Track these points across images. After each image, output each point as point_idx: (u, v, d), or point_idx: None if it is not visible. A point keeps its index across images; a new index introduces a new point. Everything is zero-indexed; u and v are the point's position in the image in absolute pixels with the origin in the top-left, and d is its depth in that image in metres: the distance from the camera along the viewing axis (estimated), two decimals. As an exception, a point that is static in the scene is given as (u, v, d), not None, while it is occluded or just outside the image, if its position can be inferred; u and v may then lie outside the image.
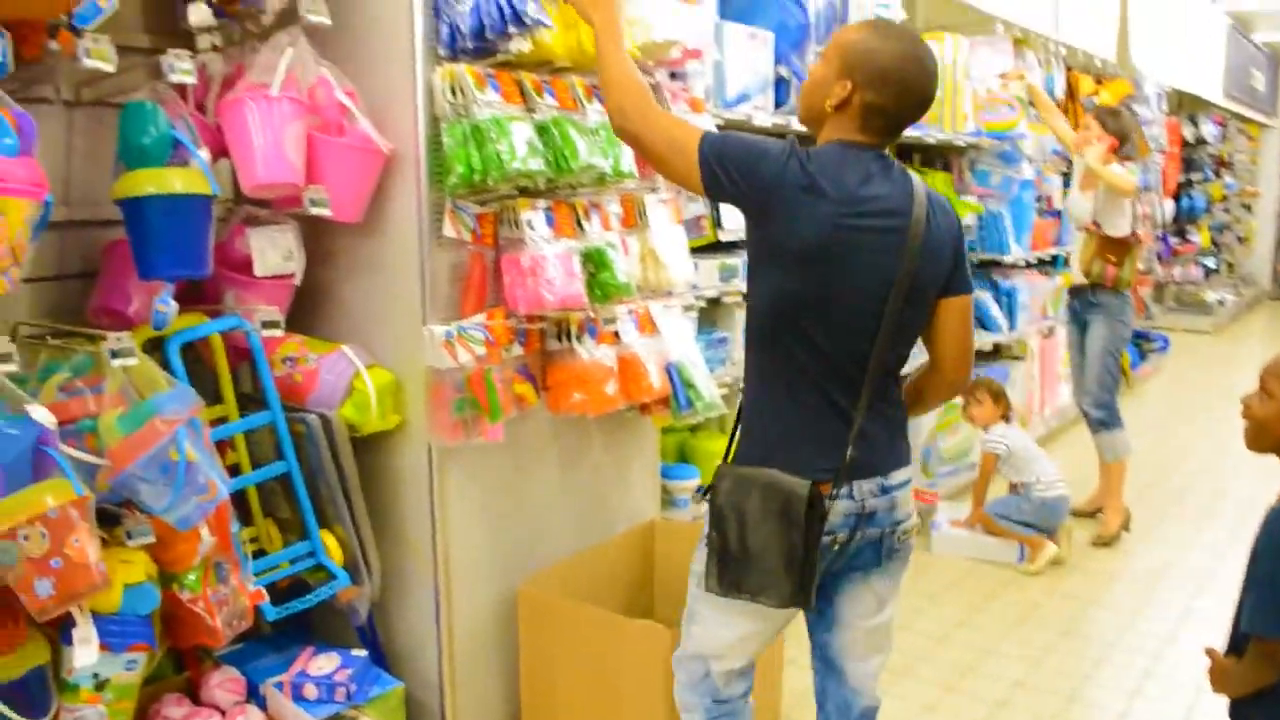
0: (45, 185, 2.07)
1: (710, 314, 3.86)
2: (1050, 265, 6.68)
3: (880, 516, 2.12)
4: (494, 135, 2.53)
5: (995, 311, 5.81)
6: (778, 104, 3.98)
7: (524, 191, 2.78)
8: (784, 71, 3.98)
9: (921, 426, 5.05)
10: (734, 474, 2.09)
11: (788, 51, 3.96)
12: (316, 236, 2.76)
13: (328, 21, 2.51)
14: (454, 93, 2.55)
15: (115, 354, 2.19)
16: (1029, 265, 6.36)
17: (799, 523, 2.00)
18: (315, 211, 2.53)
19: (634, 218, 3.03)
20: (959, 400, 4.81)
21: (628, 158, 2.86)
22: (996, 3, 5.37)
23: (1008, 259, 5.84)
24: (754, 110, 3.82)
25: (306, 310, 2.82)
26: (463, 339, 2.59)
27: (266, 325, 2.52)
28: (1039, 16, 5.97)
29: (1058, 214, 6.49)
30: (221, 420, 2.60)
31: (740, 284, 3.76)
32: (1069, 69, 6.65)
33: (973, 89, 5.26)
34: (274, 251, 2.62)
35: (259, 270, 2.60)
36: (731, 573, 2.08)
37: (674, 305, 3.20)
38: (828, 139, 2.09)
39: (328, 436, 2.60)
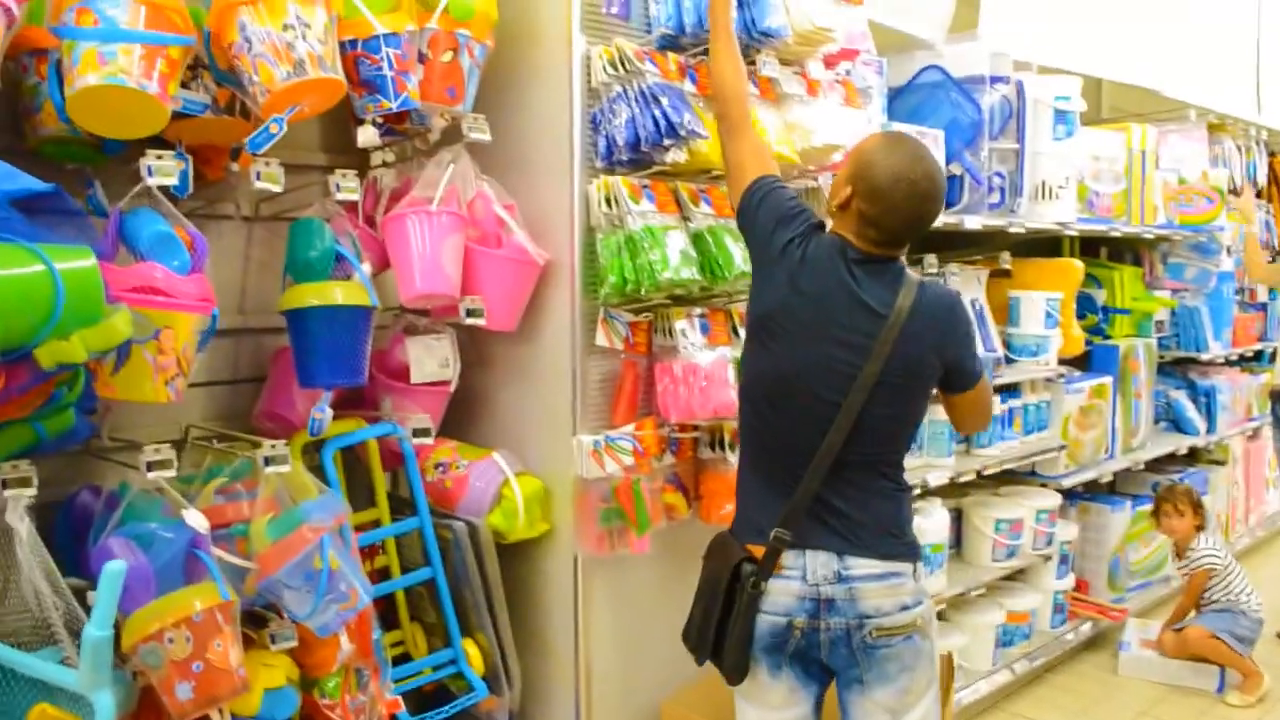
0: (212, 300, 2.16)
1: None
2: (1254, 361, 6.14)
3: (841, 606, 2.09)
4: (647, 245, 2.49)
5: (1192, 413, 5.35)
6: (949, 203, 3.82)
7: (678, 300, 2.72)
8: (956, 169, 3.81)
9: (1108, 537, 4.68)
10: (714, 539, 2.25)
11: (960, 149, 3.80)
12: (474, 343, 2.79)
13: (488, 138, 2.55)
14: (609, 203, 2.54)
15: (269, 460, 2.23)
16: (1230, 362, 5.85)
17: (722, 584, 2.12)
18: (471, 321, 2.54)
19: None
20: (1150, 508, 4.45)
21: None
22: (1189, 88, 5.03)
23: (1205, 356, 5.40)
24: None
25: (462, 415, 2.84)
26: (610, 449, 2.53)
27: (417, 433, 2.53)
28: (1238, 100, 5.56)
29: (1262, 307, 5.98)
30: (374, 524, 2.62)
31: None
32: (1272, 154, 6.17)
33: (1163, 179, 4.93)
34: (430, 360, 2.64)
35: (415, 378, 2.63)
36: (689, 629, 2.25)
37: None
38: (834, 231, 2.18)
39: (473, 544, 2.58)
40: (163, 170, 2.07)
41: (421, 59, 2.43)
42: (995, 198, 3.90)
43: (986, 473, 3.92)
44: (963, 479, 3.77)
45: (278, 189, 2.25)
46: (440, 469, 2.69)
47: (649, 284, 2.48)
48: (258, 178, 2.21)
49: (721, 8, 2.46)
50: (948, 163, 3.79)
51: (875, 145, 2.15)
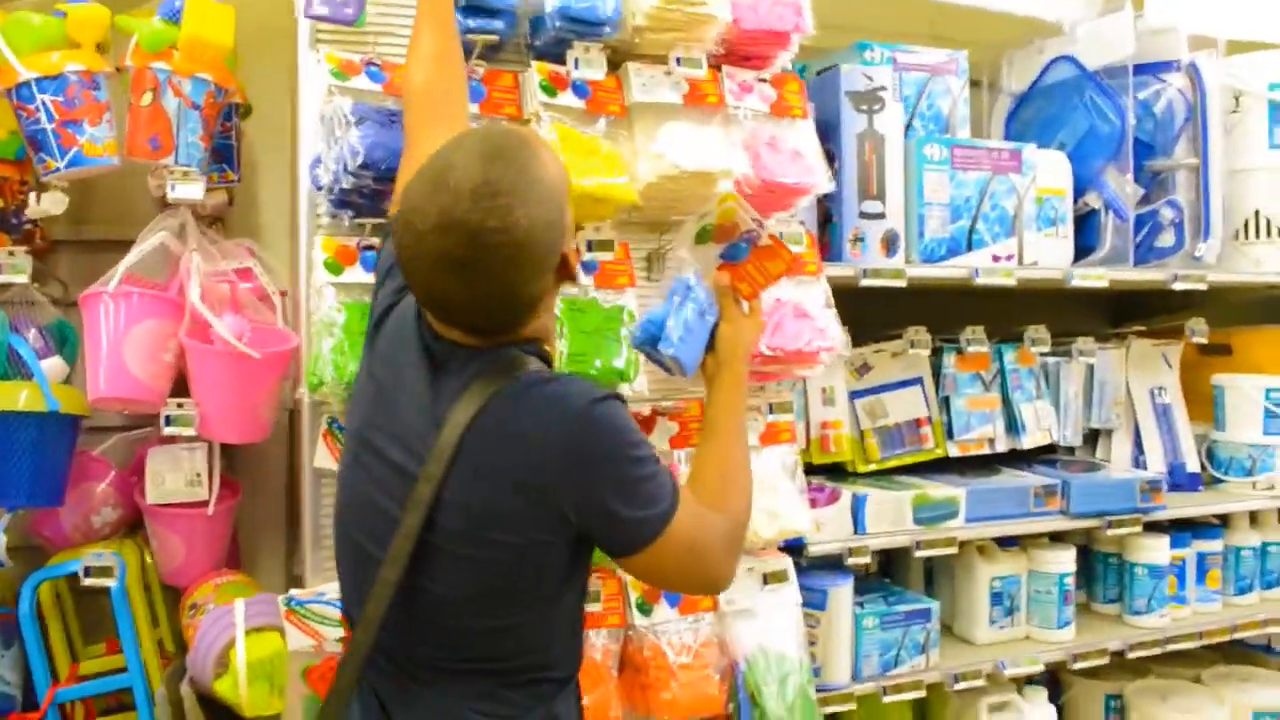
0: None
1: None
2: None
3: None
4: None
5: None
6: (1081, 249, 2.48)
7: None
8: (1094, 201, 2.47)
9: None
10: None
11: (1098, 170, 2.47)
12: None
13: (196, 197, 1.86)
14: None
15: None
16: None
17: None
18: (170, 431, 1.90)
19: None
20: None
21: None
22: None
23: None
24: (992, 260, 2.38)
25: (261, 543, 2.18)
26: (296, 615, 1.73)
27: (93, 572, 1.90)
28: None
29: None
30: (104, 674, 2.04)
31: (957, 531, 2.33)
32: None
33: None
34: (174, 475, 2.01)
35: (151, 497, 2.01)
36: None
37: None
38: None
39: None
40: None
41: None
42: (1167, 239, 2.49)
43: (1146, 653, 2.47)
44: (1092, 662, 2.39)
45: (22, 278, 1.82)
46: (192, 612, 2.05)
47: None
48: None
49: None
50: (1081, 192, 2.48)
51: (429, 159, 1.23)
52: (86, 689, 2.02)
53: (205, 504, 2.05)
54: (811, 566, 2.22)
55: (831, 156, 2.24)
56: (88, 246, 2.25)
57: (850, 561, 2.18)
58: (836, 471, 2.46)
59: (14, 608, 1.96)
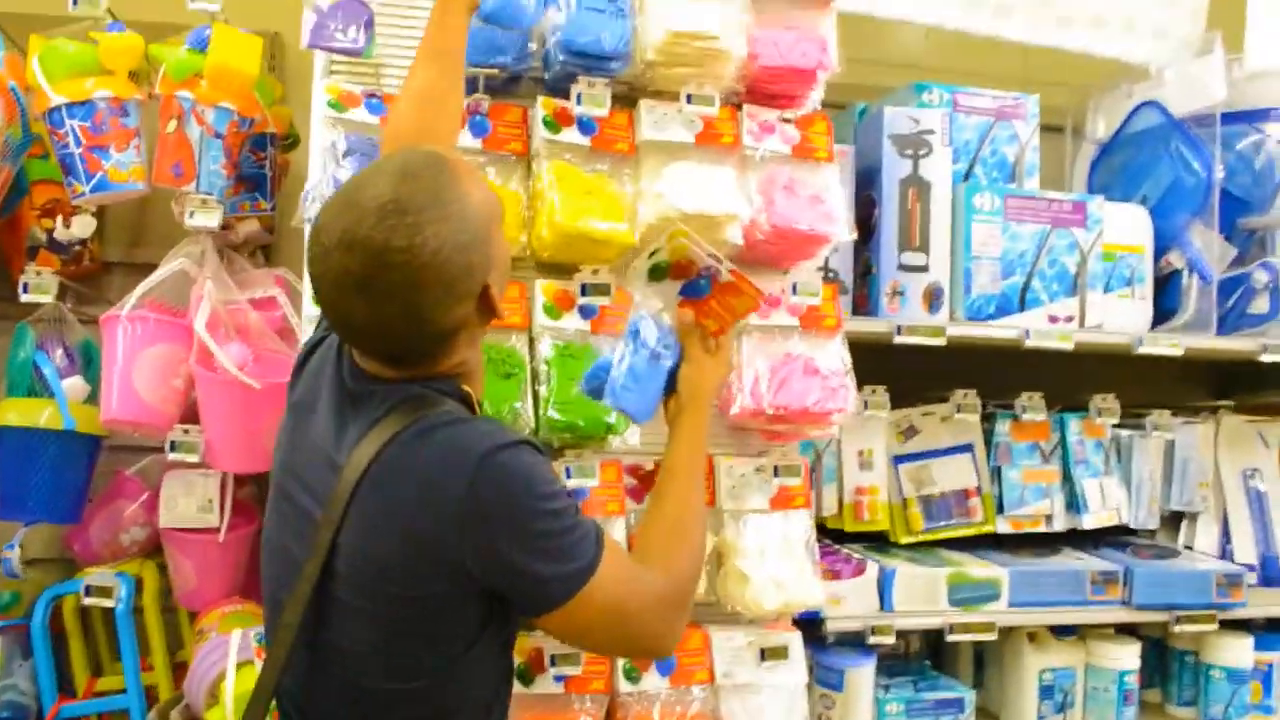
0: None
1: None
2: None
3: None
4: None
5: None
6: (1164, 313, 2.23)
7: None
8: (1175, 259, 2.23)
9: None
10: None
11: (1182, 227, 2.22)
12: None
13: (211, 225, 1.90)
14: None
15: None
16: None
17: None
18: (175, 458, 1.90)
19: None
20: None
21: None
22: None
23: None
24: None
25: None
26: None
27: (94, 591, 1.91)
28: None
29: None
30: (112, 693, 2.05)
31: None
32: None
33: None
34: (187, 500, 2.02)
35: (164, 521, 2.03)
36: None
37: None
38: None
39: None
40: None
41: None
42: (1261, 305, 2.22)
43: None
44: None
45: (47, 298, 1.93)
46: (198, 638, 2.04)
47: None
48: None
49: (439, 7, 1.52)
50: (1162, 250, 2.25)
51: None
52: (88, 707, 2.04)
53: (217, 530, 2.06)
54: (839, 643, 2.06)
55: (873, 204, 2.10)
56: (141, 269, 2.31)
57: (872, 640, 2.00)
58: (877, 541, 2.28)
59: (32, 620, 2.01)
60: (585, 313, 1.78)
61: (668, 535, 1.31)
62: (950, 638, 2.03)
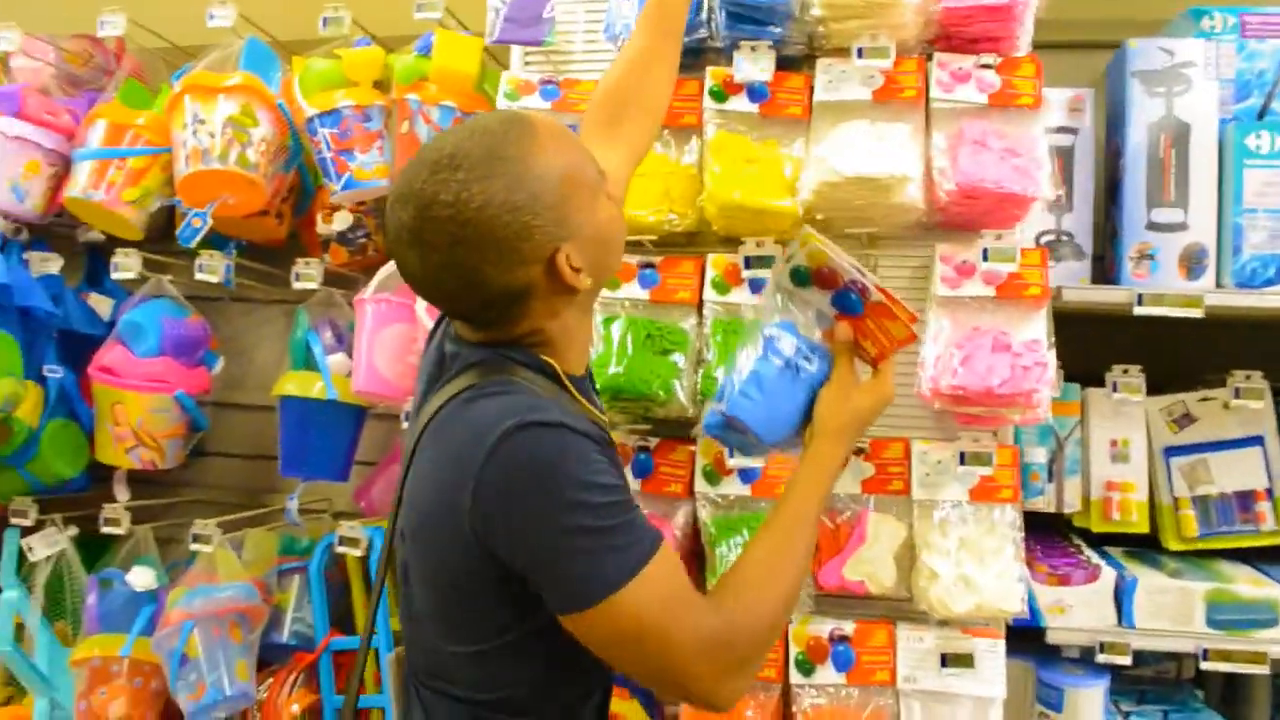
0: (169, 383, 2.21)
1: None
2: None
3: None
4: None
5: None
6: None
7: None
8: None
9: None
10: None
11: None
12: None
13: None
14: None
15: (196, 538, 2.17)
16: None
17: None
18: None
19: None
20: None
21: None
22: None
23: None
24: None
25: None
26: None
27: (344, 541, 2.14)
28: None
29: None
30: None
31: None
32: None
33: None
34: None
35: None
36: None
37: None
38: None
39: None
40: (125, 266, 2.22)
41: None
42: None
43: None
44: None
45: (216, 279, 2.21)
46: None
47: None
48: (200, 270, 2.23)
49: None
50: None
51: None
52: (347, 643, 2.30)
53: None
54: (1083, 659, 1.79)
55: (1118, 155, 1.78)
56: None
57: (1101, 658, 1.71)
58: (1148, 546, 1.94)
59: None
60: (754, 286, 1.70)
61: (748, 578, 1.17)
62: (1205, 665, 1.68)
